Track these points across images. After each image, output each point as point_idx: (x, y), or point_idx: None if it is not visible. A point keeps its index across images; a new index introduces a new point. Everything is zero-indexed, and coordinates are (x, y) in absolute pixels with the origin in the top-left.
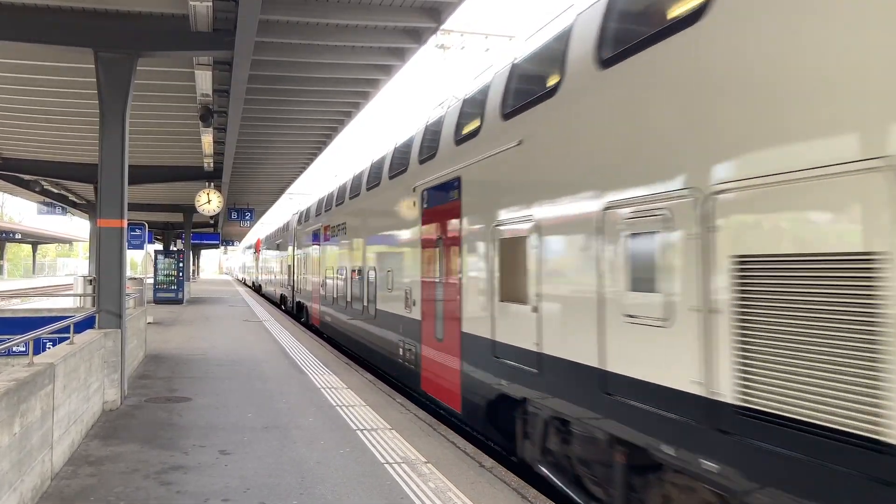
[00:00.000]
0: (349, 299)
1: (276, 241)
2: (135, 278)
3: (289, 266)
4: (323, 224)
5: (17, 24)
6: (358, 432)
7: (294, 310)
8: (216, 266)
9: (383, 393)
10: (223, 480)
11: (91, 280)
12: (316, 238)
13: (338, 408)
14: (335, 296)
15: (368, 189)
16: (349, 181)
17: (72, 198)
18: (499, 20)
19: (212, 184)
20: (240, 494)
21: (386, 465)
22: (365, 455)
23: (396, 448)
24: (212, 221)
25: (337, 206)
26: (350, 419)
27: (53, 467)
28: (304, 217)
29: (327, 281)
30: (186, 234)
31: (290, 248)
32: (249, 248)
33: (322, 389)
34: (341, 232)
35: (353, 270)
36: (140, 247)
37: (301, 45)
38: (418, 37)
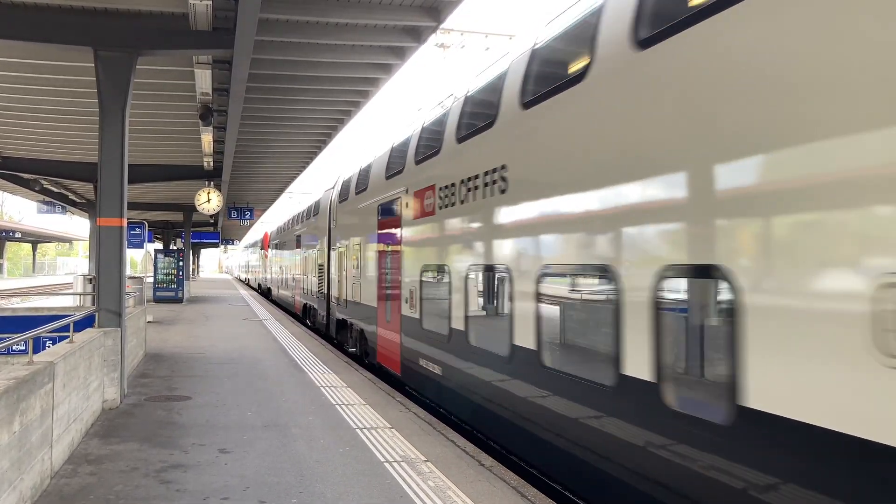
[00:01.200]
0: (544, 344)
1: (297, 232)
2: (134, 277)
3: (320, 265)
4: (412, 186)
5: (17, 22)
6: (357, 431)
7: (330, 330)
8: (216, 265)
9: (383, 392)
10: (223, 479)
11: (91, 279)
12: (390, 214)
13: (337, 406)
14: (461, 328)
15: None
16: (520, 68)
17: (71, 197)
18: (498, 19)
19: (211, 183)
20: (239, 493)
21: (385, 464)
22: (364, 454)
23: (396, 447)
24: (211, 220)
25: (465, 138)
26: (350, 418)
27: (53, 466)
28: (353, 186)
29: (434, 296)
30: (186, 232)
31: (324, 239)
32: (254, 244)
33: (322, 388)
34: (492, 186)
35: (574, 276)
36: (140, 246)
37: (301, 44)
38: (418, 36)
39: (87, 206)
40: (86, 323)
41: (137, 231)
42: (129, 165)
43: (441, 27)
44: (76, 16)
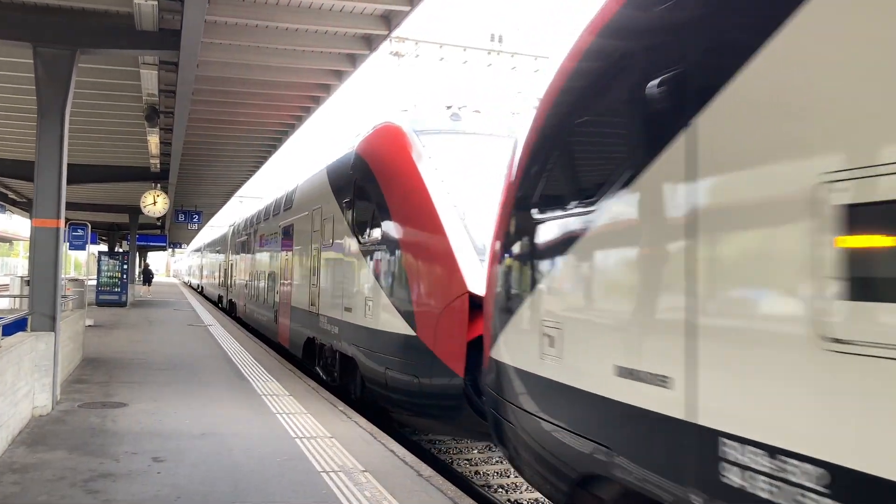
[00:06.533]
0: None
1: None
2: (75, 280)
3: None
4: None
5: None
6: (297, 440)
7: None
8: (163, 268)
9: (326, 401)
10: (154, 488)
11: (28, 281)
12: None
13: (278, 415)
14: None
15: None
16: None
17: (11, 195)
18: (452, 31)
19: (158, 185)
20: (170, 503)
21: (323, 474)
22: (302, 463)
23: (335, 456)
24: (159, 223)
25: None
26: (290, 427)
27: None
28: None
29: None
30: (132, 235)
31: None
32: (269, 218)
33: (263, 396)
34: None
35: None
36: (82, 248)
37: (250, 48)
38: (369, 43)
39: (28, 206)
40: (17, 326)
41: (80, 233)
42: (72, 165)
43: (395, 36)
44: (15, 11)
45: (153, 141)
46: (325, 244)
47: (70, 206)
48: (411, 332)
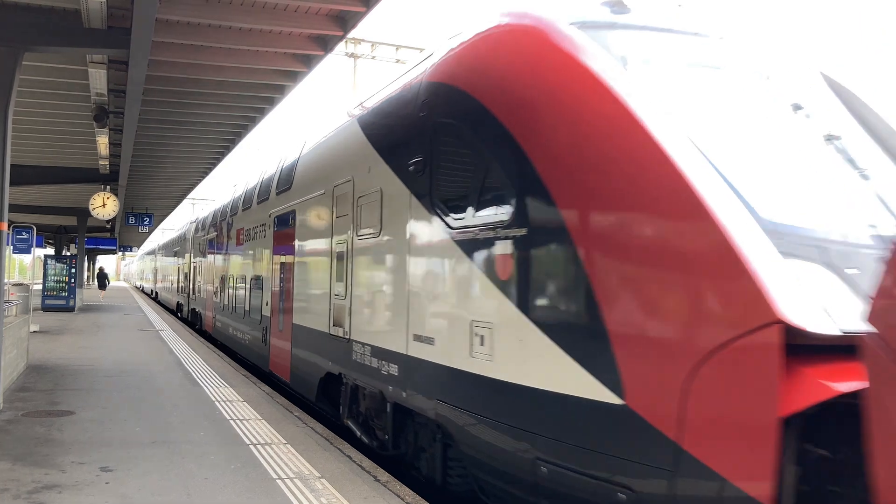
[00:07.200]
0: None
1: None
2: (20, 284)
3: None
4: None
5: None
6: (251, 447)
7: None
8: (113, 272)
9: (281, 406)
10: (102, 499)
11: None
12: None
13: (231, 421)
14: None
15: None
16: None
17: None
18: (409, 33)
19: (107, 187)
20: None
21: (278, 481)
22: (257, 470)
23: (290, 463)
24: (108, 226)
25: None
26: (244, 433)
27: None
28: None
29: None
30: (80, 238)
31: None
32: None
33: (217, 402)
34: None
35: None
36: (27, 251)
37: (203, 48)
38: (324, 44)
39: None
40: None
41: (25, 235)
42: (16, 166)
43: (351, 38)
44: None
45: (102, 142)
46: (364, 234)
47: (15, 208)
48: (612, 398)
